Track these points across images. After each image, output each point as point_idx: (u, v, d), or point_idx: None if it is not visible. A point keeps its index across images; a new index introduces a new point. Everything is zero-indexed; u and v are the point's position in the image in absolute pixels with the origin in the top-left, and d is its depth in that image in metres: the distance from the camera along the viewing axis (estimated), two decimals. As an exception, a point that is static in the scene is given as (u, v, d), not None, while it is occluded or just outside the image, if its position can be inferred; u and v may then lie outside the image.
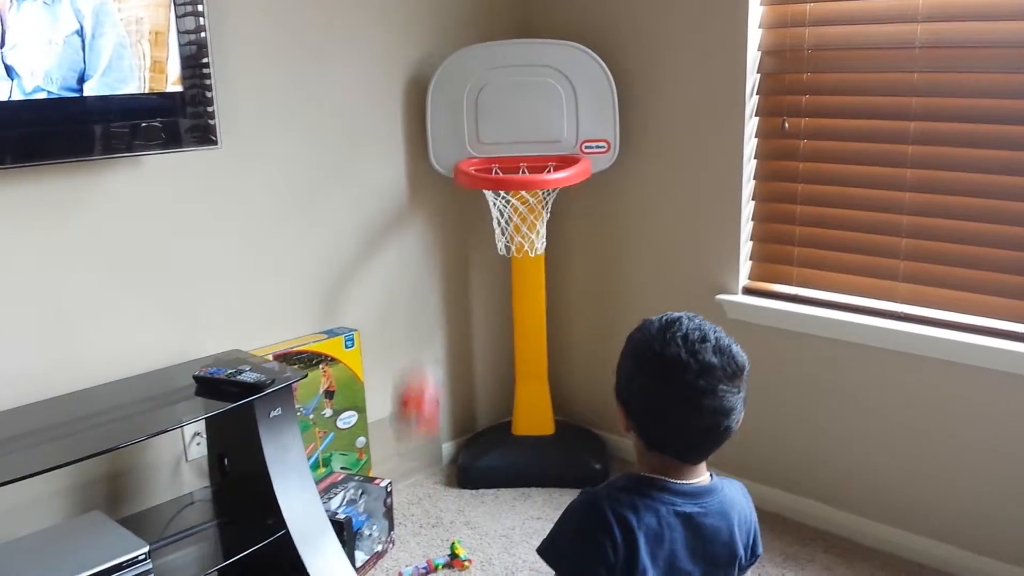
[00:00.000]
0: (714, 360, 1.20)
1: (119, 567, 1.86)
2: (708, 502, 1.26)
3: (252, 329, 2.49)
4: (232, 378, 2.04)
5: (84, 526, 2.04)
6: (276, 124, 2.48)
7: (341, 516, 2.37)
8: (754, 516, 1.36)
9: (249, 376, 2.05)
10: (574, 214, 3.06)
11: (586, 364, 3.23)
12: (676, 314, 1.26)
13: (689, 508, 1.23)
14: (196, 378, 2.09)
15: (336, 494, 2.46)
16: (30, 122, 1.90)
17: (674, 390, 1.19)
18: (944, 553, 2.44)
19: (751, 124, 2.64)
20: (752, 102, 2.62)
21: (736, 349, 1.23)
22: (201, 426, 2.35)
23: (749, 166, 2.67)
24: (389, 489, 2.57)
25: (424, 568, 2.48)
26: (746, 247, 2.74)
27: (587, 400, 3.24)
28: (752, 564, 1.34)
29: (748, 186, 2.68)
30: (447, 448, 3.13)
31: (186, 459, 2.39)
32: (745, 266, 2.75)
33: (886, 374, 2.48)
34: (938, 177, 2.36)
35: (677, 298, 2.88)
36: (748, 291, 2.75)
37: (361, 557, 2.45)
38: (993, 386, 2.30)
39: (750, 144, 2.65)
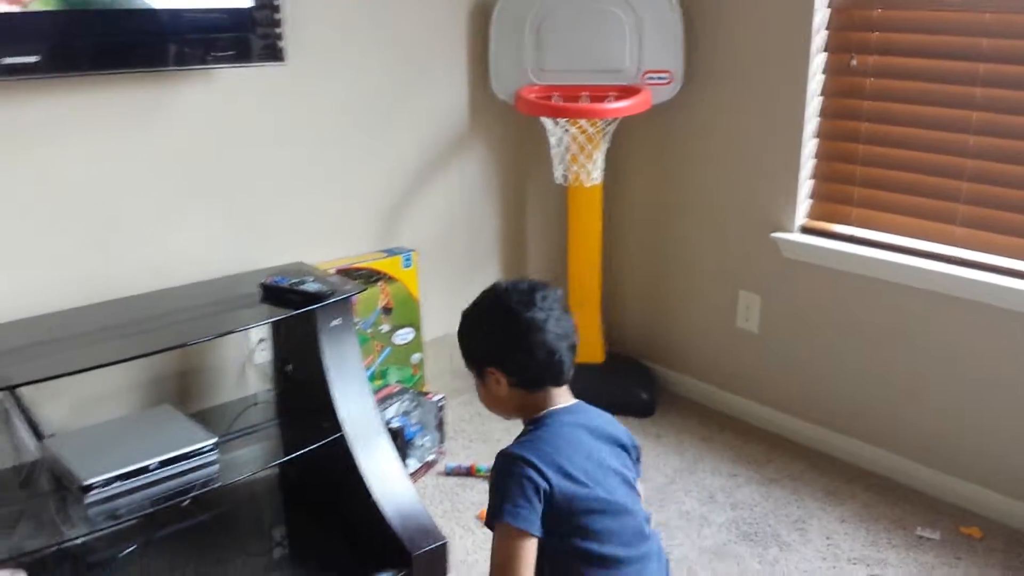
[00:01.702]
0: (540, 300, 1.45)
1: (187, 455, 2.00)
2: (583, 405, 1.54)
3: (315, 243, 2.59)
4: (295, 287, 2.14)
5: (156, 417, 2.18)
6: (343, 45, 2.54)
7: (395, 425, 2.49)
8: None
9: (312, 286, 2.14)
10: (633, 145, 3.08)
11: (639, 295, 3.27)
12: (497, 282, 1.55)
13: (567, 417, 1.48)
14: (262, 286, 2.19)
15: (391, 404, 2.57)
16: (107, 32, 1.98)
17: (528, 325, 1.43)
18: (987, 499, 2.46)
19: (818, 60, 2.61)
20: (820, 37, 2.59)
21: (551, 285, 1.51)
22: (266, 332, 2.47)
23: (813, 103, 2.65)
24: (441, 403, 2.68)
25: (466, 468, 2.61)
26: (805, 185, 2.73)
27: (638, 331, 3.29)
28: (639, 455, 1.58)
29: (811, 123, 2.66)
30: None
31: (251, 363, 2.52)
32: (803, 205, 2.75)
33: (938, 317, 2.48)
34: (1004, 121, 2.32)
35: (734, 234, 2.90)
36: (805, 230, 2.75)
37: (413, 464, 2.57)
38: (1046, 333, 2.29)
39: (815, 80, 2.63)
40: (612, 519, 1.43)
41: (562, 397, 1.52)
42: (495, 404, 1.52)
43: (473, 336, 1.52)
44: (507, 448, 1.43)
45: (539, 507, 1.37)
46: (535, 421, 1.47)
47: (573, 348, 1.48)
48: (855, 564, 2.28)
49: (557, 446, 1.42)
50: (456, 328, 1.60)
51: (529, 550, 1.37)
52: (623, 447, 1.53)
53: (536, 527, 1.37)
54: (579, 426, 1.48)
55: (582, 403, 1.54)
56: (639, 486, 1.56)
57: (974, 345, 2.43)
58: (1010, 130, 2.31)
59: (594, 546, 1.41)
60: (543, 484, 1.38)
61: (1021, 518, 2.40)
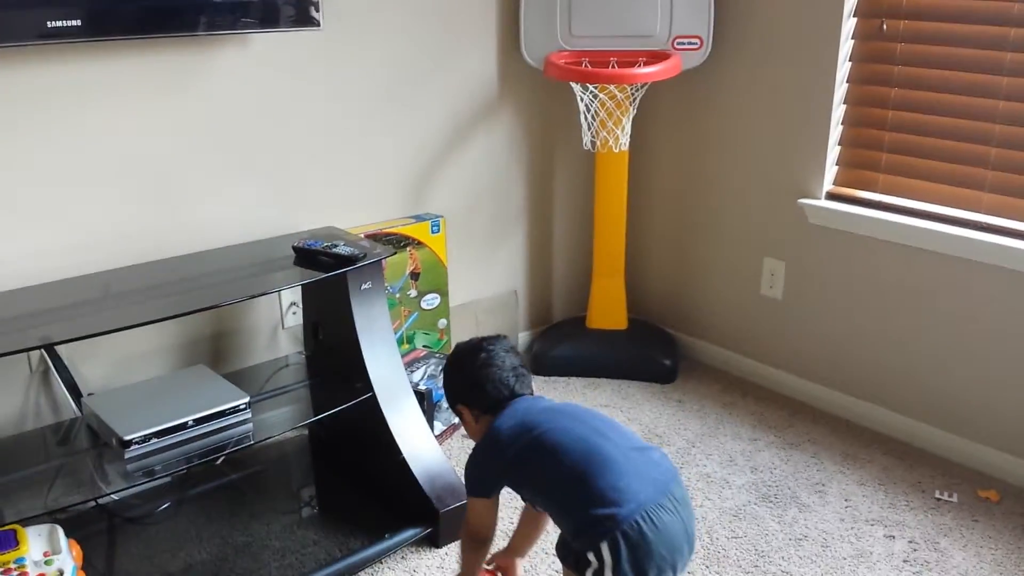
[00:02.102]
0: (486, 341, 1.82)
1: (222, 413, 2.04)
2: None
3: (345, 209, 2.61)
4: (328, 250, 2.17)
5: (191, 376, 2.23)
6: (376, 11, 2.55)
7: (422, 387, 2.53)
8: None
9: (344, 249, 2.17)
10: (662, 111, 3.08)
11: (664, 262, 3.29)
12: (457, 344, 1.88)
13: (522, 404, 1.77)
14: (295, 248, 2.22)
15: (418, 368, 2.61)
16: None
17: (482, 360, 1.76)
18: (1005, 463, 2.49)
19: (848, 25, 2.60)
20: (850, 2, 2.58)
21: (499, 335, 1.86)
22: (297, 296, 2.51)
23: (843, 68, 2.64)
24: (467, 367, 2.71)
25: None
26: (833, 151, 2.73)
27: (662, 298, 3.31)
28: None
29: (841, 89, 2.66)
30: (523, 337, 3.26)
31: (283, 326, 2.56)
32: (831, 171, 2.75)
33: (963, 283, 2.49)
34: (1035, 86, 2.31)
35: (760, 200, 2.90)
36: (831, 196, 2.76)
37: (439, 427, 2.62)
38: (1073, 300, 2.30)
39: (846, 46, 2.61)
40: (569, 429, 1.64)
41: None
42: (474, 434, 1.80)
43: (444, 385, 1.86)
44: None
45: (505, 458, 1.68)
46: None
47: (519, 374, 1.78)
48: (873, 525, 2.31)
49: (509, 427, 1.70)
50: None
51: (489, 507, 1.78)
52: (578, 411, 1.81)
53: (499, 478, 1.73)
54: (523, 414, 1.73)
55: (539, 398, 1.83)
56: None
57: (997, 311, 2.44)
58: (1041, 96, 2.31)
59: (565, 462, 1.60)
60: (506, 446, 1.68)
61: (1043, 484, 2.42)
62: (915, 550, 2.21)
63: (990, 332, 2.47)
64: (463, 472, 1.82)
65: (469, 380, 1.77)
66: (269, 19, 2.18)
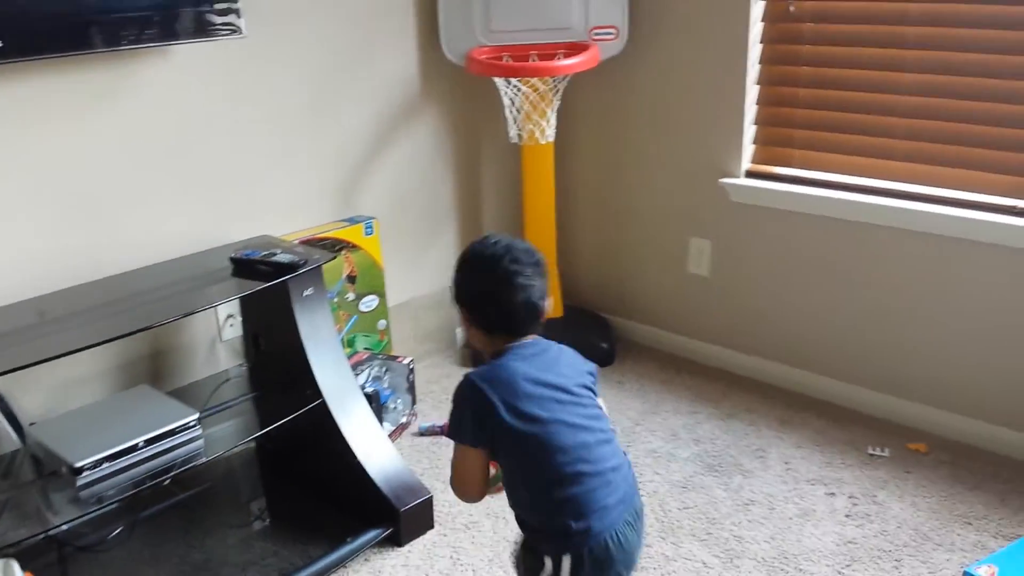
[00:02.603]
0: (519, 254, 1.58)
1: (173, 432, 2.01)
2: (537, 342, 1.62)
3: (278, 216, 2.59)
4: (267, 259, 2.16)
5: (135, 397, 2.19)
6: (297, 17, 2.53)
7: (369, 390, 2.53)
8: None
9: (283, 257, 2.16)
10: (584, 102, 3.13)
11: (594, 249, 3.35)
12: (489, 233, 1.68)
13: (527, 351, 1.59)
14: (232, 260, 2.20)
15: (363, 371, 2.61)
16: (61, 14, 1.96)
17: (495, 276, 1.56)
18: (930, 415, 2.63)
19: (757, 8, 2.69)
20: (758, -15, 2.67)
21: (534, 249, 1.61)
22: (235, 308, 2.48)
23: (755, 50, 2.73)
24: (411, 366, 2.73)
25: (440, 427, 2.68)
26: (749, 131, 2.83)
27: (595, 284, 3.38)
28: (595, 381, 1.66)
29: (753, 70, 2.75)
30: (460, 332, 3.27)
31: (220, 339, 2.53)
32: (748, 150, 2.84)
33: (883, 250, 2.61)
34: (935, 57, 2.44)
35: (683, 183, 2.98)
36: (751, 174, 2.86)
37: (388, 428, 2.62)
38: (979, 257, 2.44)
39: (756, 28, 2.71)
40: (562, 436, 1.52)
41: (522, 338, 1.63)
42: (470, 336, 1.66)
43: (454, 278, 1.66)
44: (467, 375, 1.56)
45: (488, 424, 1.52)
46: (494, 355, 1.60)
47: (531, 307, 1.57)
48: (813, 484, 2.42)
49: (504, 379, 1.54)
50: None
51: (472, 458, 1.57)
52: (567, 388, 1.60)
53: (481, 440, 1.55)
54: (519, 372, 1.55)
55: (538, 343, 1.62)
56: (600, 403, 1.64)
57: (913, 273, 2.57)
58: (941, 66, 2.44)
59: (554, 464, 1.51)
60: (490, 408, 1.51)
61: (963, 431, 2.57)
62: (855, 504, 2.33)
63: (907, 294, 2.60)
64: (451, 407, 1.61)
65: (475, 292, 1.60)
66: (191, 30, 2.15)
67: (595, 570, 1.50)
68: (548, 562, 1.52)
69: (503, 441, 1.52)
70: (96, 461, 1.88)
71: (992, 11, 2.32)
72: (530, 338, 1.61)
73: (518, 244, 1.61)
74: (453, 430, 1.58)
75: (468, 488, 1.61)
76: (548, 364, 1.57)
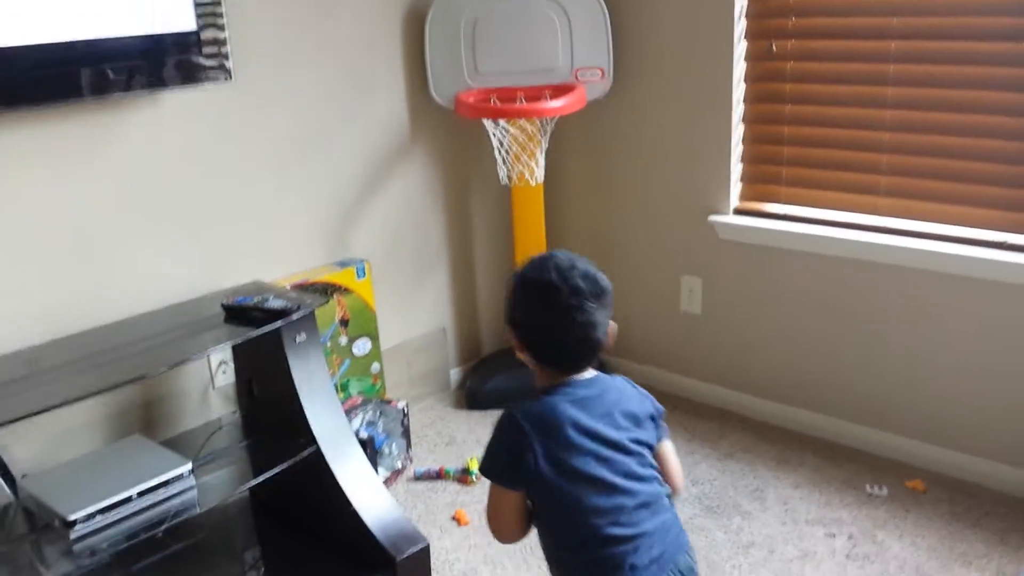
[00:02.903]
0: (581, 283, 1.44)
1: (166, 483, 1.99)
2: (595, 381, 1.50)
3: (269, 261, 2.59)
4: (259, 305, 2.15)
5: (128, 447, 2.16)
6: (284, 64, 2.55)
7: (363, 435, 2.51)
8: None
9: (275, 303, 2.15)
10: (572, 142, 3.16)
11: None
12: (552, 251, 1.54)
13: (581, 392, 1.47)
14: (224, 306, 2.19)
15: (356, 416, 2.59)
16: (51, 63, 1.96)
17: (551, 309, 1.44)
18: (927, 452, 2.62)
19: (740, 48, 2.73)
20: (741, 25, 2.71)
21: (600, 275, 1.47)
22: (227, 354, 2.46)
23: (739, 89, 2.77)
24: (405, 410, 2.71)
25: (435, 472, 2.66)
26: (736, 169, 2.85)
27: (586, 323, 3.37)
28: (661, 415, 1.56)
29: (738, 109, 2.79)
30: (455, 373, 3.27)
31: (213, 387, 2.51)
32: (736, 187, 2.87)
33: (867, 285, 2.63)
34: (917, 94, 2.48)
35: (672, 221, 3.00)
36: (739, 211, 2.88)
37: (383, 473, 2.60)
38: (969, 293, 2.45)
39: (739, 67, 2.75)
40: (599, 497, 1.43)
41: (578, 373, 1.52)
42: (521, 358, 1.52)
43: (507, 297, 1.53)
44: (512, 407, 1.46)
45: (523, 469, 1.42)
46: (545, 389, 1.49)
47: (589, 343, 1.46)
48: (812, 525, 2.40)
49: (550, 423, 1.44)
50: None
51: (508, 501, 1.47)
52: (644, 412, 1.52)
53: (516, 483, 1.45)
54: (568, 419, 1.45)
55: (597, 382, 1.50)
56: (667, 446, 1.55)
57: (903, 308, 2.58)
58: (922, 102, 2.47)
59: (587, 521, 1.43)
60: (528, 452, 1.42)
61: (961, 468, 2.56)
62: (855, 545, 2.31)
63: (899, 329, 2.61)
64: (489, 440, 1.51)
65: (529, 322, 1.48)
66: (179, 77, 2.16)
67: None
68: None
69: (536, 488, 1.44)
70: (89, 514, 1.85)
71: (974, 47, 2.36)
72: (589, 374, 1.50)
73: (580, 269, 1.45)
74: (487, 466, 1.47)
75: (503, 529, 1.51)
76: (604, 411, 1.46)
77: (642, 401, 1.53)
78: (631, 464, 1.45)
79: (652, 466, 1.50)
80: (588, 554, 1.43)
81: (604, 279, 1.48)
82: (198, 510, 2.00)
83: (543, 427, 1.42)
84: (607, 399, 1.47)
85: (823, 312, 2.74)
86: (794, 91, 2.70)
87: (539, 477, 1.42)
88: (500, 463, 1.46)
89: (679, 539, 1.50)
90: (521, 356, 1.51)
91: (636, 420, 1.49)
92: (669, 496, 1.53)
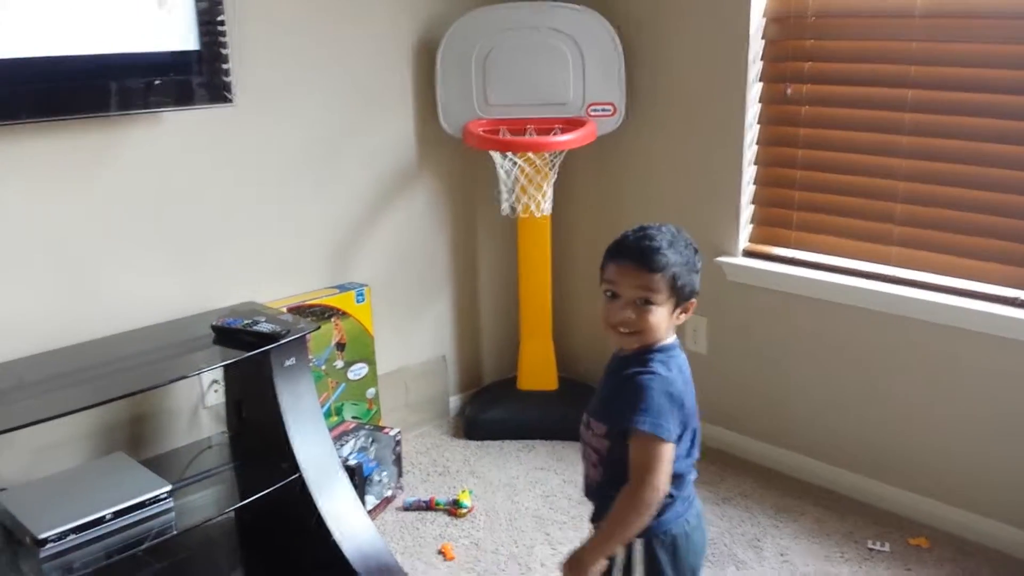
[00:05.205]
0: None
1: (142, 504, 1.97)
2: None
3: (267, 282, 2.58)
4: (249, 328, 2.14)
5: (109, 465, 2.15)
6: (290, 85, 2.55)
7: (353, 462, 2.48)
8: None
9: (265, 327, 2.14)
10: (581, 176, 3.13)
11: (591, 322, 3.31)
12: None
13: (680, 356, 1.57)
14: (214, 328, 2.18)
15: (348, 441, 2.57)
16: (48, 79, 1.97)
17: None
18: (933, 509, 2.55)
19: (754, 90, 2.70)
20: (756, 68, 2.68)
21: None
22: (218, 374, 2.45)
23: (751, 131, 2.73)
24: (398, 438, 2.68)
25: (425, 502, 2.63)
26: (747, 211, 2.81)
27: (590, 357, 3.33)
28: None
29: (750, 151, 2.75)
30: (454, 401, 3.24)
31: (204, 406, 2.50)
32: (745, 229, 2.82)
33: (878, 335, 2.57)
34: (933, 144, 2.43)
35: (679, 259, 2.95)
36: (748, 253, 2.83)
37: (372, 501, 2.57)
38: (979, 348, 2.38)
39: (753, 109, 2.71)
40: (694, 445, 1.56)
41: None
42: (657, 330, 1.51)
43: (694, 269, 1.54)
44: (640, 370, 1.49)
45: (682, 414, 1.49)
46: (663, 349, 1.53)
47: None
48: (810, 580, 2.34)
49: (676, 376, 1.52)
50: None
51: (670, 453, 1.47)
52: None
53: (676, 431, 1.48)
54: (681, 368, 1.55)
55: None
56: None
57: (912, 360, 2.52)
58: (938, 153, 2.42)
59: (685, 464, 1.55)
60: (678, 395, 1.49)
61: (966, 526, 2.48)
62: (851, 603, 2.25)
63: (906, 380, 2.54)
64: (639, 405, 1.47)
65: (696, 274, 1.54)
66: (180, 97, 2.17)
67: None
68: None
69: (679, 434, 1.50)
70: (61, 533, 1.84)
71: (989, 99, 2.31)
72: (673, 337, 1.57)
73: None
74: (656, 425, 1.44)
75: (661, 488, 1.47)
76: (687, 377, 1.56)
77: None
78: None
79: None
80: (684, 490, 1.55)
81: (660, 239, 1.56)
82: (175, 532, 1.98)
83: (680, 373, 1.51)
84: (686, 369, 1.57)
85: (830, 359, 2.68)
86: (808, 135, 2.66)
87: (688, 421, 1.50)
88: (666, 419, 1.45)
89: None
90: (655, 329, 1.50)
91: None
92: None
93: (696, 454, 1.58)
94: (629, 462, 1.47)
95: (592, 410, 1.59)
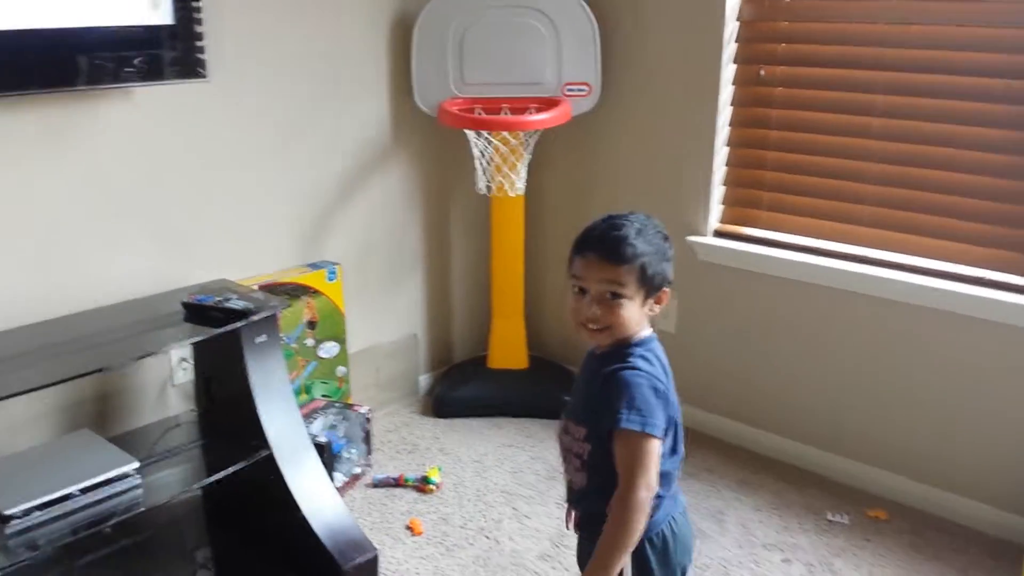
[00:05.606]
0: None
1: (110, 481, 1.96)
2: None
3: (238, 260, 2.56)
4: (219, 305, 2.12)
5: (75, 442, 2.13)
6: (264, 61, 2.52)
7: (322, 439, 2.48)
8: None
9: (236, 303, 2.12)
10: (555, 155, 3.13)
11: (561, 302, 3.32)
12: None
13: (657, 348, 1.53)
14: (184, 304, 2.16)
15: (317, 419, 2.57)
16: (18, 50, 1.92)
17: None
18: (891, 482, 2.60)
19: (728, 71, 2.71)
20: (730, 49, 2.69)
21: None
22: (187, 351, 2.43)
23: (725, 112, 2.74)
24: (368, 415, 2.69)
25: (394, 479, 2.64)
26: (718, 191, 2.83)
27: (561, 337, 3.35)
28: None
29: (723, 132, 2.76)
30: (424, 379, 3.24)
31: (172, 383, 2.48)
32: (716, 209, 2.84)
33: (849, 315, 2.60)
34: (904, 126, 2.45)
35: (650, 239, 2.97)
36: (718, 233, 2.85)
37: (340, 478, 2.57)
38: (944, 326, 2.43)
39: (726, 91, 2.72)
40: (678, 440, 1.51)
41: None
42: (629, 324, 1.46)
43: (664, 257, 1.49)
44: (625, 364, 1.43)
45: (667, 408, 1.44)
46: (641, 343, 1.48)
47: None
48: (770, 550, 2.38)
49: (659, 369, 1.48)
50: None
51: (658, 449, 1.42)
52: None
53: (662, 426, 1.42)
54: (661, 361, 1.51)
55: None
56: None
57: (877, 338, 2.56)
58: (909, 134, 2.45)
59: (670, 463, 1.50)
60: (665, 390, 1.45)
61: (924, 499, 2.54)
62: (811, 573, 2.29)
63: (871, 359, 2.58)
64: (625, 402, 1.41)
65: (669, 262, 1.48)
66: (152, 72, 2.13)
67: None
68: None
69: (667, 428, 1.45)
70: (26, 509, 1.82)
71: (960, 81, 2.34)
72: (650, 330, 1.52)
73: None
74: (642, 421, 1.38)
75: (654, 486, 1.41)
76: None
77: None
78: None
79: None
80: (671, 487, 1.52)
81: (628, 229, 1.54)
82: (142, 508, 1.97)
83: (661, 366, 1.47)
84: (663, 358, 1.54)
85: (797, 338, 2.72)
86: (780, 117, 2.67)
87: (673, 414, 1.46)
88: (653, 415, 1.40)
89: None
90: (628, 324, 1.45)
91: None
92: None
93: (682, 450, 1.53)
94: (616, 463, 1.41)
95: (570, 413, 1.53)
